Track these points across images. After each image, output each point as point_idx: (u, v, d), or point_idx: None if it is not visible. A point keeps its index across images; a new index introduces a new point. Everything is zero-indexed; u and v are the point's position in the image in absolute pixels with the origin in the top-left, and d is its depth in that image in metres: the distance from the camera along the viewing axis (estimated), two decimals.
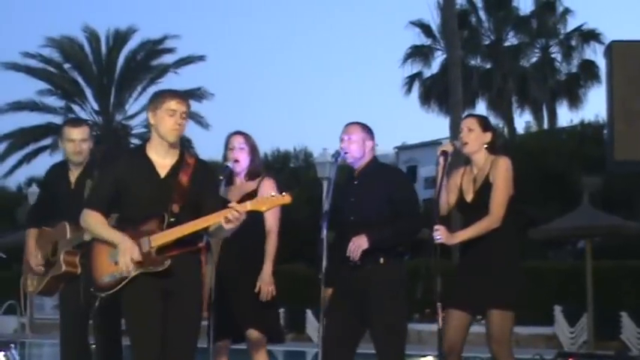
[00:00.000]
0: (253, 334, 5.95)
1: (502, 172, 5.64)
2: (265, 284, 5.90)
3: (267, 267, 5.94)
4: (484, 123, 5.90)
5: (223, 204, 4.94)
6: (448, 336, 5.65)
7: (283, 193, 4.81)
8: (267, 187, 5.86)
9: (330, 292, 5.75)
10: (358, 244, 5.54)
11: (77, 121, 6.65)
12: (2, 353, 6.88)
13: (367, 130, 5.94)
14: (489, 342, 5.62)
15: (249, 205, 4.76)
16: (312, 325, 19.99)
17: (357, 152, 5.84)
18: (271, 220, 6.00)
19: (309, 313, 20.38)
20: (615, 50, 5.39)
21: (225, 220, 4.70)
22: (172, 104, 4.93)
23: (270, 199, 4.81)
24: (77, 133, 6.19)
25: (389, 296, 5.65)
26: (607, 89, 5.48)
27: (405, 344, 5.79)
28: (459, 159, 5.97)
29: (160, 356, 4.82)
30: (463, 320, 5.69)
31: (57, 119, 36.09)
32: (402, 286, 5.74)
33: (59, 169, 6.42)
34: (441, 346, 5.62)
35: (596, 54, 35.05)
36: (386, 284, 5.66)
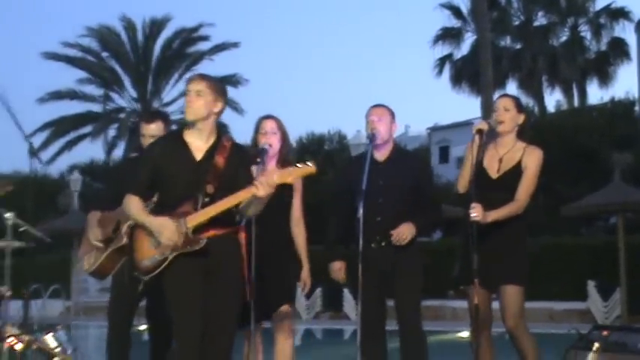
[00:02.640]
0: (285, 309, 5.96)
1: (536, 163, 5.68)
2: (308, 280, 5.95)
3: (307, 265, 5.95)
4: (519, 104, 5.90)
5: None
6: (477, 311, 5.67)
7: (308, 162, 4.83)
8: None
9: (340, 264, 5.87)
10: (409, 231, 5.63)
11: (152, 117, 6.56)
12: (50, 335, 6.94)
13: (391, 112, 5.97)
14: (505, 318, 5.64)
15: (276, 177, 4.77)
16: (349, 304, 20.02)
17: (385, 134, 5.86)
18: (299, 210, 5.98)
19: (345, 292, 20.41)
20: None
21: (255, 192, 4.73)
22: (187, 85, 5.02)
23: (296, 169, 4.84)
24: (152, 130, 6.22)
25: (412, 273, 5.81)
26: (638, 64, 5.45)
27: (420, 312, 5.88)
28: (491, 138, 5.94)
29: (201, 334, 4.85)
30: (486, 296, 5.72)
31: (96, 107, 36.49)
32: (421, 263, 5.88)
33: (132, 162, 6.41)
34: (476, 320, 5.64)
35: (625, 32, 34.49)
36: (411, 262, 5.79)
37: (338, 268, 5.90)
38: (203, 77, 5.07)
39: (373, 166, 5.78)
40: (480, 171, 5.72)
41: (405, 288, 5.78)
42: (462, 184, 5.78)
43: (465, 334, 10.15)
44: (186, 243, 4.80)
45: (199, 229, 4.81)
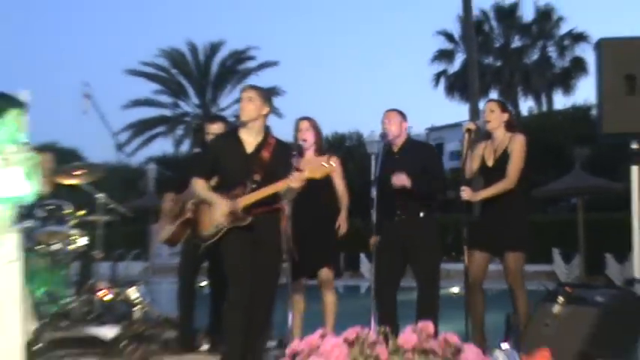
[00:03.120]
0: (326, 271, 5.97)
1: (518, 146, 5.61)
2: (344, 222, 5.93)
3: (344, 212, 5.95)
4: (502, 105, 5.89)
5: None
6: (472, 272, 5.64)
7: (331, 163, 4.82)
8: (335, 161, 5.86)
9: (375, 238, 5.73)
10: (405, 180, 5.53)
11: (214, 119, 6.65)
12: (133, 288, 6.97)
13: (402, 114, 5.90)
14: (507, 277, 5.60)
15: (306, 173, 4.76)
16: (365, 266, 20.08)
17: (396, 131, 5.81)
18: (342, 187, 5.99)
19: (362, 256, 20.48)
20: (603, 46, 5.36)
21: (289, 183, 4.74)
22: (241, 93, 5.05)
23: (321, 168, 4.80)
24: (215, 129, 6.22)
25: (429, 242, 5.69)
26: (597, 77, 5.42)
27: (439, 277, 5.80)
28: (478, 136, 5.91)
29: (249, 289, 4.86)
30: (484, 259, 5.67)
31: (167, 112, 36.74)
32: (436, 234, 5.77)
33: (197, 157, 6.46)
34: (467, 280, 5.61)
35: (584, 52, 34.91)
36: (427, 232, 5.71)
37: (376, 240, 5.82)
38: (253, 87, 5.12)
39: (389, 156, 5.79)
40: (481, 162, 5.73)
41: (425, 254, 5.69)
42: (468, 173, 5.75)
43: (455, 289, 10.13)
44: (236, 219, 4.82)
45: (247, 208, 4.83)
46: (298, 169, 4.81)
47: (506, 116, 5.76)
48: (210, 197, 4.92)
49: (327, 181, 5.78)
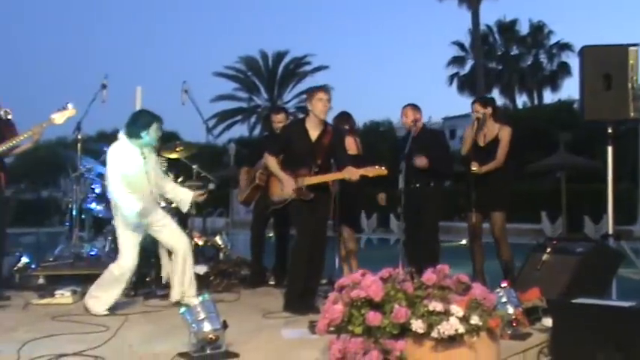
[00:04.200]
0: (347, 229, 5.97)
1: (506, 135, 5.59)
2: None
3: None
4: (483, 103, 5.77)
5: (347, 160, 4.88)
6: (472, 227, 5.62)
7: (382, 167, 4.72)
8: (349, 143, 5.71)
9: (382, 194, 5.85)
10: (424, 161, 5.51)
11: (278, 110, 6.63)
12: (218, 237, 7.05)
13: (417, 108, 5.79)
14: (493, 232, 5.62)
15: (362, 171, 4.71)
16: (394, 223, 20.03)
17: (409, 122, 5.71)
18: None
19: (391, 215, 20.45)
20: (585, 51, 5.29)
21: (346, 176, 4.74)
22: (321, 95, 4.84)
23: (373, 169, 4.72)
24: (278, 118, 6.17)
25: (435, 205, 5.70)
26: (580, 76, 5.33)
27: (438, 232, 5.80)
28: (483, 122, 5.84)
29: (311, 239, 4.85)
30: (479, 218, 5.63)
31: (243, 105, 37.04)
32: (440, 199, 5.75)
33: (265, 138, 6.53)
34: (470, 235, 5.60)
35: (569, 58, 34.15)
36: (434, 198, 5.69)
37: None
38: (329, 90, 4.98)
39: (410, 140, 5.70)
40: (475, 142, 5.66)
41: (429, 214, 5.68)
42: (465, 149, 5.73)
43: (464, 241, 10.05)
44: (302, 194, 4.79)
45: (310, 186, 4.80)
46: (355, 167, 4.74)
47: (489, 110, 5.67)
48: (281, 175, 4.85)
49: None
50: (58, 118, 5.09)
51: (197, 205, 6.67)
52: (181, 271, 4.95)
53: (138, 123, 4.80)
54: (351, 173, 4.71)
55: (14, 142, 5.16)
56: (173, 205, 5.99)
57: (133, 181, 4.74)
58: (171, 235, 4.97)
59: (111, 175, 4.71)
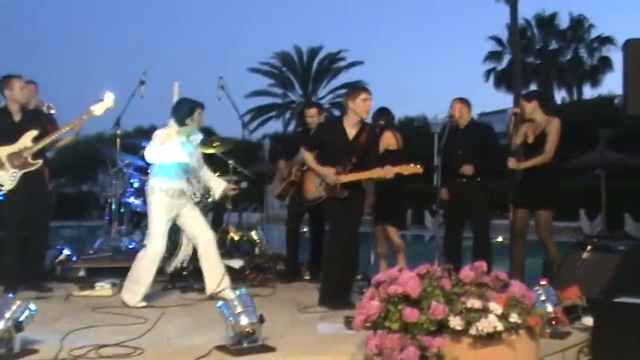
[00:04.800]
0: (390, 224, 5.93)
1: (555, 129, 5.43)
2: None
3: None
4: (529, 97, 5.68)
5: (377, 161, 4.89)
6: (516, 226, 5.49)
7: (418, 166, 4.70)
8: (388, 138, 5.73)
9: (445, 191, 5.63)
10: (470, 169, 5.47)
11: (311, 106, 6.65)
12: (254, 232, 7.11)
13: (466, 101, 5.74)
14: (538, 231, 5.46)
15: (397, 169, 4.72)
16: (428, 220, 19.89)
17: (458, 114, 5.66)
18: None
19: (426, 212, 20.37)
20: (629, 45, 5.16)
21: (382, 174, 4.74)
22: (365, 95, 4.84)
23: (409, 167, 4.72)
24: (311, 112, 6.20)
25: (482, 200, 5.59)
26: (623, 70, 5.21)
27: (489, 227, 5.69)
28: (521, 118, 5.74)
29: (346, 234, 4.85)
30: (525, 215, 5.51)
31: (278, 100, 37.16)
32: (487, 194, 5.64)
33: (300, 133, 6.55)
34: (512, 232, 5.48)
35: (610, 52, 33.45)
36: (481, 193, 5.59)
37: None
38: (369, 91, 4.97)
39: (456, 133, 5.67)
40: (523, 139, 5.57)
41: (477, 211, 5.61)
42: (513, 145, 5.61)
43: (499, 239, 9.89)
44: (336, 192, 4.80)
45: (345, 184, 4.80)
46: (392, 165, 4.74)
47: (535, 103, 5.53)
48: (320, 168, 4.85)
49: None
50: (98, 109, 5.17)
51: (233, 199, 6.74)
52: (208, 265, 5.00)
53: (181, 110, 4.91)
54: (386, 171, 4.71)
55: (56, 135, 5.27)
56: (210, 200, 6.07)
57: (174, 166, 4.84)
58: (196, 226, 5.04)
59: (150, 145, 4.80)
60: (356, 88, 4.98)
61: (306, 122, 6.22)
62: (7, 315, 3.24)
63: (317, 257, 6.10)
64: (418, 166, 4.71)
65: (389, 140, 5.71)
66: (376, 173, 4.79)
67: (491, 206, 5.78)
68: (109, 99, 5.20)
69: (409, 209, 20.69)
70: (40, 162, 5.23)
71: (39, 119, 5.42)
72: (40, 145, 5.19)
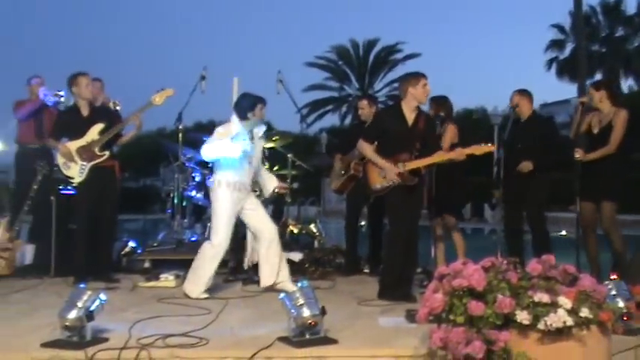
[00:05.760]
0: (449, 216, 5.86)
1: (621, 120, 5.27)
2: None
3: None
4: (597, 86, 5.51)
5: (439, 146, 4.92)
6: (583, 218, 5.33)
7: (489, 144, 4.66)
8: (452, 131, 5.67)
9: (498, 192, 5.54)
10: (527, 166, 5.35)
11: (362, 97, 6.68)
12: (312, 225, 7.13)
13: (527, 93, 5.60)
14: (602, 223, 5.29)
15: (469, 150, 4.73)
16: (488, 213, 19.54)
17: (522, 106, 5.54)
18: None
19: (485, 205, 19.95)
20: None
21: (452, 156, 4.77)
22: (425, 81, 4.80)
23: (480, 147, 4.70)
24: (363, 104, 6.26)
25: (539, 194, 5.46)
26: None
27: (545, 221, 5.55)
28: (587, 109, 5.56)
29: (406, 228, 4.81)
30: (592, 208, 5.33)
31: (334, 94, 37.16)
32: (545, 188, 5.51)
33: (355, 126, 6.57)
34: (578, 225, 5.31)
35: None
36: (538, 186, 5.45)
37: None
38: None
39: (516, 125, 5.56)
40: (588, 128, 5.42)
41: (532, 204, 5.48)
42: (572, 134, 5.46)
43: (563, 232, 9.60)
44: (406, 179, 4.75)
45: (413, 171, 4.76)
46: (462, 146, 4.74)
47: (602, 93, 5.37)
48: (380, 161, 4.80)
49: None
50: (158, 98, 5.28)
51: (292, 193, 6.79)
52: (269, 258, 5.04)
53: (243, 105, 4.99)
54: (458, 153, 4.72)
55: (120, 127, 5.49)
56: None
57: (236, 161, 4.90)
58: (259, 220, 5.09)
59: (210, 140, 4.88)
60: (415, 74, 4.89)
61: (362, 120, 6.21)
62: (79, 304, 3.36)
63: (376, 251, 6.09)
64: (490, 145, 4.66)
65: (452, 132, 5.64)
66: (447, 156, 4.78)
67: (555, 199, 5.63)
68: (167, 88, 5.31)
69: (468, 202, 20.45)
70: (106, 154, 5.43)
71: (105, 115, 5.64)
72: (106, 137, 5.41)
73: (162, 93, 5.27)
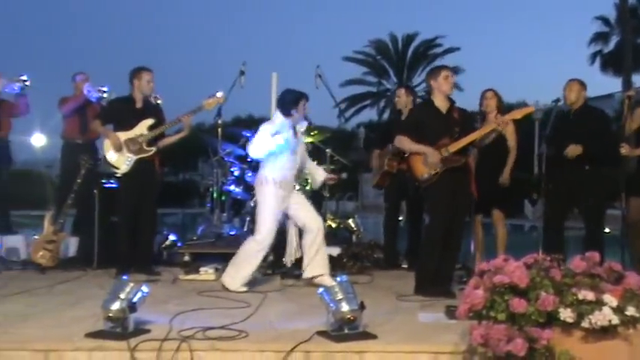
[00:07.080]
0: (497, 211, 5.77)
1: None
2: (507, 174, 5.69)
3: (507, 170, 5.69)
4: None
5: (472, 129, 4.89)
6: (631, 215, 5.19)
7: (527, 104, 4.67)
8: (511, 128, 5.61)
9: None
10: (576, 149, 5.18)
11: (400, 86, 6.66)
12: (350, 220, 7.13)
13: (582, 83, 5.45)
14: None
15: (509, 116, 4.84)
16: (528, 209, 19.19)
17: (573, 97, 5.36)
18: (512, 142, 5.73)
19: (525, 201, 19.62)
20: None
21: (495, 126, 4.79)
22: (446, 72, 4.87)
23: (522, 110, 4.81)
24: (400, 93, 6.24)
25: (595, 188, 5.25)
26: None
27: (603, 218, 5.36)
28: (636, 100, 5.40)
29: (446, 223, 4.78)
30: (636, 204, 5.19)
31: (372, 89, 37.00)
32: (600, 183, 5.30)
33: (391, 122, 6.56)
34: (624, 221, 5.18)
35: None
36: (593, 180, 5.24)
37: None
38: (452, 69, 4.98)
39: (567, 117, 5.42)
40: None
41: (590, 199, 5.30)
42: (627, 131, 5.27)
43: (606, 229, 9.30)
44: (451, 161, 4.73)
45: (457, 152, 4.74)
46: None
47: None
48: (422, 148, 4.78)
49: (502, 139, 5.55)
50: (209, 104, 5.44)
51: (330, 188, 6.80)
52: (313, 250, 5.06)
53: (286, 101, 5.03)
54: (500, 121, 4.76)
55: (168, 126, 5.63)
56: (307, 188, 6.16)
57: (281, 157, 4.95)
58: (306, 214, 5.11)
59: (255, 138, 4.94)
60: (436, 67, 5.07)
61: (397, 109, 6.19)
62: (122, 296, 3.43)
63: (415, 246, 6.04)
64: (529, 107, 4.71)
65: (512, 130, 5.58)
66: (490, 127, 4.83)
67: (605, 195, 5.47)
68: (220, 95, 5.45)
69: (516, 197, 20.08)
70: (153, 149, 5.57)
71: (155, 112, 5.76)
72: (153, 134, 5.56)
73: (214, 99, 5.47)
